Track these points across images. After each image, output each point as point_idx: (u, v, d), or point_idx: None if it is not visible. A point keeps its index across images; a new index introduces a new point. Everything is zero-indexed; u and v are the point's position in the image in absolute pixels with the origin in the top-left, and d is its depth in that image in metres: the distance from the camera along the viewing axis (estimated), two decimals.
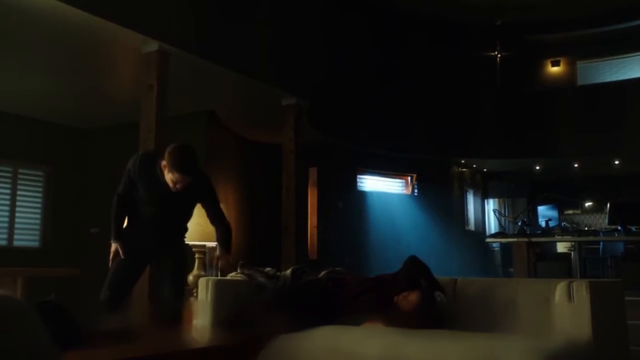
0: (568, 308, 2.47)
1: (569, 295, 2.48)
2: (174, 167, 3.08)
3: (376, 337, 2.53)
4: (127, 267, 3.39)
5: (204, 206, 3.51)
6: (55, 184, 8.00)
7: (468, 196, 11.76)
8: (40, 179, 7.96)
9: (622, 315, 2.81)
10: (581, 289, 2.46)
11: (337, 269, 3.57)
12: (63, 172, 8.04)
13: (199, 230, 4.44)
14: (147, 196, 3.34)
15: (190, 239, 4.47)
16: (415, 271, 2.98)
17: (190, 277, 4.28)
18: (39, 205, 7.91)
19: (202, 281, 3.71)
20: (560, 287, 2.51)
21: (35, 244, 7.83)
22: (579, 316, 2.43)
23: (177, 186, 3.15)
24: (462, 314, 2.93)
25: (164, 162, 3.12)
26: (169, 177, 3.13)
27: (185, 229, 3.59)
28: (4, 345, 0.52)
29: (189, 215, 3.59)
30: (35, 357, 0.55)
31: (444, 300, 2.84)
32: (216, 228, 3.54)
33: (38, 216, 7.89)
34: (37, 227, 7.86)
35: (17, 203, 7.65)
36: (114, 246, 3.43)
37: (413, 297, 2.79)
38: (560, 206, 10.93)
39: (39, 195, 7.92)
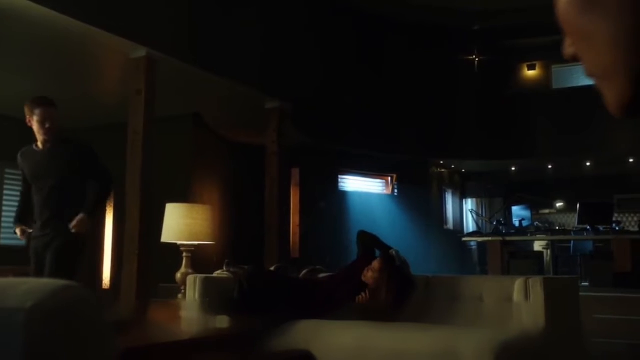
0: (525, 302, 2.73)
1: (526, 291, 2.74)
2: (34, 105, 3.39)
3: (350, 329, 2.77)
4: (35, 264, 3.76)
5: (89, 173, 3.71)
6: None
7: (447, 196, 12.02)
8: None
9: (576, 309, 3.07)
10: (536, 286, 2.72)
11: (317, 267, 3.81)
12: None
13: (185, 230, 4.60)
14: (32, 175, 3.62)
15: (177, 239, 4.63)
16: (367, 242, 3.41)
17: (179, 275, 4.45)
18: None
19: (190, 279, 3.92)
20: (518, 284, 2.77)
21: (22, 242, 7.91)
22: (534, 310, 2.69)
23: (47, 125, 3.40)
24: (433, 308, 3.18)
25: (27, 118, 3.42)
26: (36, 122, 3.40)
27: (73, 214, 3.61)
28: (81, 333, 0.66)
29: (72, 193, 3.66)
30: (103, 342, 0.70)
31: (400, 253, 3.23)
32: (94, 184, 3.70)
33: None
34: None
35: (4, 202, 7.74)
36: (17, 230, 3.86)
37: (375, 263, 3.18)
38: (533, 206, 11.28)
39: None
